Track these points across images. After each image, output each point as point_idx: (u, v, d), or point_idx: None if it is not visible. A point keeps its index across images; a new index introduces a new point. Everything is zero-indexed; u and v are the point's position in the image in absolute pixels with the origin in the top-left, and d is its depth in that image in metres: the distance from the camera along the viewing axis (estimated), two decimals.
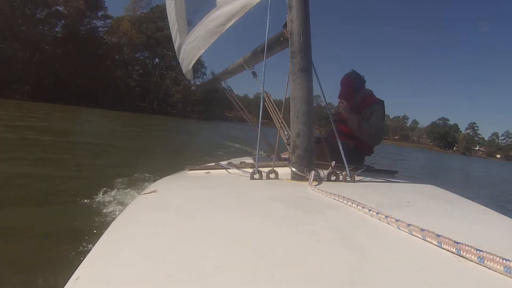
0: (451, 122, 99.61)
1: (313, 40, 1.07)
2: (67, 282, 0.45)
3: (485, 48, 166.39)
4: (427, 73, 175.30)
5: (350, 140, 2.13)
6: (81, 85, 32.58)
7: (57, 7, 35.49)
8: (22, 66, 30.80)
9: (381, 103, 2.24)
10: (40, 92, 28.32)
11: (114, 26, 41.46)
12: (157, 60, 45.34)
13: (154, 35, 40.84)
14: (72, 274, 0.47)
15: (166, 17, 2.35)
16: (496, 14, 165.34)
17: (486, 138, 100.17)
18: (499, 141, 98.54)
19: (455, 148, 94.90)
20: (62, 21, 36.29)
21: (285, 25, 1.09)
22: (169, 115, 36.89)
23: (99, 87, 34.37)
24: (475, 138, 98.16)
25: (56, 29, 36.23)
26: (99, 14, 40.27)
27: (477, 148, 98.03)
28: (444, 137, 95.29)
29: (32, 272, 1.74)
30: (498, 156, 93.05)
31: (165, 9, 2.35)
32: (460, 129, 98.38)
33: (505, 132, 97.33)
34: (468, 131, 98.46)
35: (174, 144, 10.08)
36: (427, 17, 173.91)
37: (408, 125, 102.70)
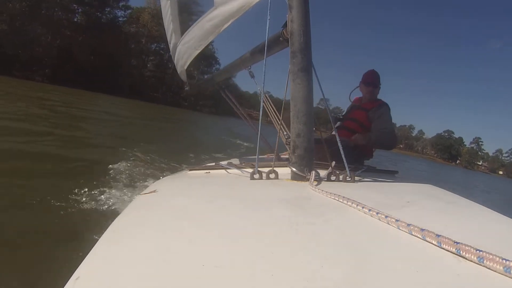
0: (456, 135, 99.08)
1: (314, 42, 1.06)
2: (67, 282, 0.45)
3: (497, 65, 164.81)
4: (435, 84, 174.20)
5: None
6: (98, 71, 33.42)
7: None
8: (43, 49, 31.46)
9: (387, 105, 2.30)
10: (59, 75, 29.06)
11: (133, 17, 41.97)
12: None
13: None
14: (72, 274, 0.47)
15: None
16: (508, 31, 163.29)
17: (490, 154, 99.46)
18: (503, 157, 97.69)
19: (458, 161, 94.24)
20: (84, 8, 36.96)
21: (285, 25, 1.09)
22: (180, 107, 37.26)
23: (116, 75, 35.27)
24: (479, 153, 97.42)
25: (76, 15, 37.09)
26: (120, 4, 41.18)
27: (480, 163, 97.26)
28: (448, 149, 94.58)
29: (32, 272, 1.73)
30: (501, 172, 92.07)
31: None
32: (464, 143, 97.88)
33: (510, 150, 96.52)
34: (472, 145, 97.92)
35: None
36: (439, 30, 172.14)
37: (413, 135, 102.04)
